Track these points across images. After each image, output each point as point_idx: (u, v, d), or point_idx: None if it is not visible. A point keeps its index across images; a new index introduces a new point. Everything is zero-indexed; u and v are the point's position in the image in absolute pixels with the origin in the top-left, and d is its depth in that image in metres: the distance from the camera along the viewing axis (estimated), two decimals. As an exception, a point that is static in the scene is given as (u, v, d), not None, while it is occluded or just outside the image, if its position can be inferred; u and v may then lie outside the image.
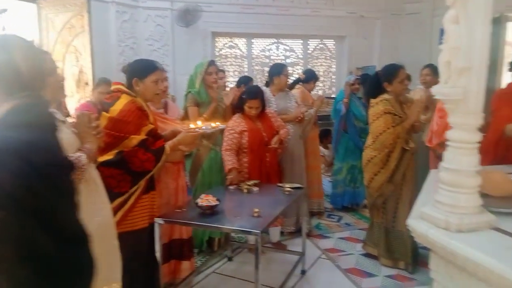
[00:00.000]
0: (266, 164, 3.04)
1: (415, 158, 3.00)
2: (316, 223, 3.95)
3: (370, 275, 2.88)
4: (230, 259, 3.14)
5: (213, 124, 2.39)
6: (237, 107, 3.19)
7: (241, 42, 6.94)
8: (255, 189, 2.67)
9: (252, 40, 6.97)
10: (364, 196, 4.34)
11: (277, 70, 3.63)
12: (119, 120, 2.03)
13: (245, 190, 2.64)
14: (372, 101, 2.98)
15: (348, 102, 4.22)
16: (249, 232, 2.07)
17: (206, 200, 2.16)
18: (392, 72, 2.92)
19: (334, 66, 7.45)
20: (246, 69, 6.99)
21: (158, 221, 2.11)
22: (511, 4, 6.03)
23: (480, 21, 1.28)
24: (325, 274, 2.92)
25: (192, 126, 2.33)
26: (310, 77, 4.18)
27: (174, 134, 2.27)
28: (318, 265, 3.06)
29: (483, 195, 1.67)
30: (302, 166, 3.58)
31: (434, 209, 1.43)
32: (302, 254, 2.89)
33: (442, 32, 1.70)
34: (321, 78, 7.51)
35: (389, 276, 2.84)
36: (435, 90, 1.41)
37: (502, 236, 1.32)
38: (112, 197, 1.82)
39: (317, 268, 3.01)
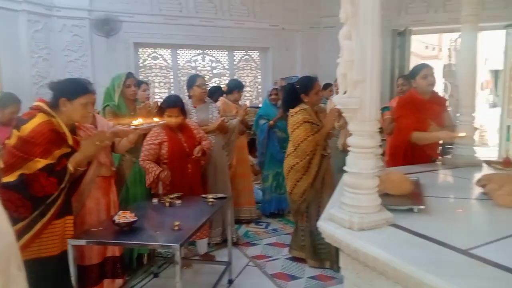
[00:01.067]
0: (188, 176, 3.01)
1: (331, 163, 3.19)
2: (244, 231, 4.00)
3: (294, 278, 2.98)
4: (156, 275, 3.05)
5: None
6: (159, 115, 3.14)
7: (165, 53, 6.85)
8: (178, 202, 2.64)
9: (178, 51, 6.91)
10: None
11: (190, 83, 3.63)
12: (27, 141, 1.92)
13: (167, 204, 2.59)
14: (291, 111, 3.12)
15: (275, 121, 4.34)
16: (167, 247, 2.03)
17: (123, 216, 2.09)
18: (308, 84, 3.11)
19: (259, 77, 7.66)
20: (172, 80, 6.91)
21: (71, 242, 1.99)
22: (415, 19, 6.71)
23: (370, 37, 1.42)
24: (252, 281, 2.97)
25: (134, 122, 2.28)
26: (232, 88, 4.23)
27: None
28: (246, 273, 3.09)
29: (385, 194, 1.85)
30: (226, 176, 3.61)
31: (340, 210, 1.54)
32: (228, 264, 2.91)
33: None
34: (248, 89, 7.67)
35: (313, 277, 2.97)
36: (335, 100, 1.52)
37: (399, 232, 1.45)
38: (12, 221, 1.68)
39: (245, 276, 3.04)
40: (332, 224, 1.52)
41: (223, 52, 7.26)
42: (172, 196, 2.67)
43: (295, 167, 3.05)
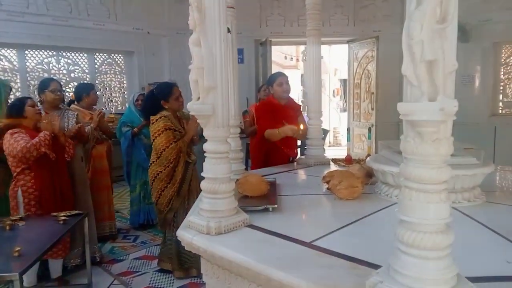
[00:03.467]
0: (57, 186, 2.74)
1: (197, 169, 3.19)
2: (109, 248, 3.72)
3: (163, 290, 2.89)
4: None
5: None
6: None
7: (10, 54, 5.99)
8: (21, 223, 2.30)
9: (26, 52, 6.11)
10: (159, 212, 4.37)
11: (42, 87, 3.25)
12: None
13: (7, 227, 2.24)
14: (152, 118, 3.02)
15: (140, 129, 4.16)
16: (5, 277, 1.75)
17: None
18: (167, 91, 3.05)
19: (125, 82, 7.28)
20: (19, 84, 6.07)
21: None
22: (274, 30, 7.23)
23: (218, 44, 1.45)
24: (117, 300, 2.77)
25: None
26: (79, 93, 3.84)
27: None
28: (110, 292, 2.88)
29: (244, 196, 1.92)
30: (86, 189, 3.30)
31: (198, 216, 1.53)
32: (88, 286, 2.66)
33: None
34: (113, 94, 7.23)
35: (182, 287, 2.91)
36: (189, 106, 1.51)
37: (254, 232, 1.51)
38: None
39: (109, 296, 2.83)
40: (190, 232, 1.51)
41: (81, 55, 6.70)
42: (14, 218, 2.32)
43: (159, 175, 2.96)
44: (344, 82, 13.07)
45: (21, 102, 2.83)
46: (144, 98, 3.84)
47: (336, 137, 12.85)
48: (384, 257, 1.01)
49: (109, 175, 3.91)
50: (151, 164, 3.01)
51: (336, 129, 12.89)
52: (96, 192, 3.52)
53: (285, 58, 13.25)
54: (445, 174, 0.88)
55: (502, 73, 6.04)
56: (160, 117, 2.95)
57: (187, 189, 3.04)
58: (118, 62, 7.16)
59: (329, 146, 11.81)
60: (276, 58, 11.55)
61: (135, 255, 3.57)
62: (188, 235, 1.49)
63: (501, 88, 6.08)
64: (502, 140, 5.87)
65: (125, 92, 7.28)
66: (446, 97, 0.83)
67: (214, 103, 1.47)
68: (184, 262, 3.03)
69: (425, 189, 0.88)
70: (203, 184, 1.54)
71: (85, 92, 3.81)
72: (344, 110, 12.23)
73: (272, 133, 3.02)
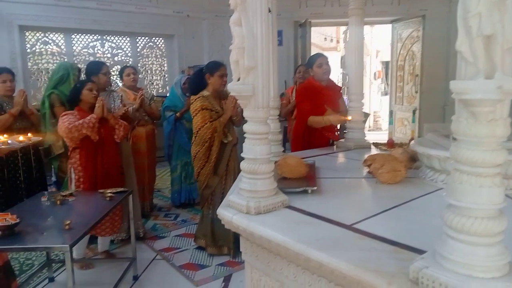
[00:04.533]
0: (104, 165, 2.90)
1: (238, 150, 3.22)
2: (152, 225, 3.87)
3: (202, 267, 2.97)
4: (51, 279, 2.79)
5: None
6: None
7: (58, 38, 6.25)
8: (71, 199, 2.43)
9: (72, 36, 6.35)
10: (199, 192, 4.49)
11: (94, 70, 3.39)
12: None
13: (58, 202, 2.38)
14: (192, 97, 3.09)
15: (182, 113, 4.23)
16: (56, 249, 1.86)
17: (3, 219, 1.86)
18: (215, 66, 3.10)
19: (166, 65, 7.42)
20: (66, 68, 6.34)
21: None
22: (313, 11, 7.05)
23: (259, 24, 1.43)
24: (159, 274, 2.89)
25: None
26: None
27: None
28: (152, 267, 3.00)
29: (283, 178, 1.92)
30: (130, 168, 3.43)
31: (238, 196, 1.55)
32: (132, 259, 2.79)
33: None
34: (154, 77, 7.40)
35: (221, 264, 3.00)
36: (229, 87, 1.52)
37: (293, 213, 1.51)
38: None
39: (151, 270, 2.95)
40: (230, 210, 1.53)
41: (124, 38, 6.88)
42: (64, 193, 2.46)
43: (197, 155, 3.05)
44: (386, 64, 12.59)
45: (81, 85, 2.97)
46: (191, 75, 3.89)
47: (376, 121, 12.49)
48: (428, 242, 0.98)
49: (147, 156, 4.03)
50: (192, 144, 3.10)
51: (376, 113, 12.52)
52: (138, 172, 3.64)
53: (324, 39, 12.94)
54: (500, 157, 0.83)
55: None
56: (199, 97, 3.01)
57: (224, 169, 3.09)
58: (159, 45, 7.29)
59: (369, 130, 11.52)
60: (315, 40, 11.32)
61: (176, 232, 3.69)
62: (228, 213, 1.51)
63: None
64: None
65: (166, 75, 7.43)
66: (504, 74, 0.78)
67: (254, 84, 1.46)
68: (218, 240, 3.11)
69: (478, 172, 0.84)
70: (242, 165, 1.55)
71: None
72: (386, 94, 11.85)
73: (317, 121, 3.00)
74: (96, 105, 2.84)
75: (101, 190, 2.61)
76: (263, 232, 1.34)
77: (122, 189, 2.69)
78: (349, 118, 2.83)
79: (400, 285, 0.94)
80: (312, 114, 3.03)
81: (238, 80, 1.49)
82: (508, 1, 0.78)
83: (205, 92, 3.05)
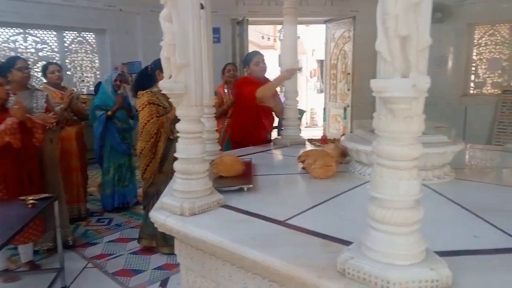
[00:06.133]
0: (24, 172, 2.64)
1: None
2: (83, 231, 3.65)
3: (138, 272, 2.87)
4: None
5: None
6: None
7: (-28, 30, 5.66)
8: (-13, 208, 2.22)
9: (-11, 29, 5.79)
10: (135, 194, 4.32)
11: (7, 65, 3.08)
12: None
13: (-28, 211, 2.15)
14: (139, 92, 3.02)
15: (114, 112, 4.04)
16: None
17: None
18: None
19: (97, 61, 7.04)
20: (-18, 63, 5.76)
21: None
22: (251, 10, 7.10)
23: (191, 20, 1.40)
24: (90, 283, 2.73)
25: None
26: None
27: None
28: (83, 276, 2.83)
29: (219, 177, 1.90)
30: (56, 171, 3.20)
31: (172, 197, 1.51)
32: (60, 270, 2.61)
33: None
34: (85, 74, 7.00)
35: (158, 268, 2.91)
36: (161, 84, 1.46)
37: (228, 212, 1.50)
38: None
39: (82, 280, 2.78)
40: (163, 213, 1.48)
41: (50, 32, 6.40)
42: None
43: (143, 151, 2.98)
44: (321, 63, 13.06)
45: None
46: (138, 74, 3.72)
47: (313, 118, 12.93)
48: (356, 234, 1.02)
49: (78, 157, 3.82)
50: (138, 139, 3.01)
51: (313, 110, 12.95)
52: (64, 175, 3.41)
53: (262, 38, 13.10)
54: (416, 151, 0.88)
55: (474, 54, 6.17)
56: (146, 92, 2.94)
57: (170, 166, 2.98)
58: (89, 40, 6.89)
59: (306, 127, 11.89)
60: (253, 38, 11.41)
61: (109, 238, 3.52)
62: (161, 216, 1.47)
63: (473, 69, 6.22)
64: (473, 119, 6.05)
65: (97, 72, 7.05)
66: (418, 73, 0.83)
67: (187, 82, 1.42)
68: (169, 238, 3.02)
69: (396, 166, 0.88)
70: (176, 165, 1.51)
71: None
72: (322, 91, 12.29)
73: (264, 88, 2.85)
74: (15, 106, 2.60)
75: (21, 198, 2.39)
76: (197, 233, 1.32)
77: (45, 195, 2.50)
78: (297, 68, 2.84)
79: (329, 277, 0.97)
80: (251, 107, 3.01)
81: (170, 77, 1.45)
82: (422, 4, 0.83)
83: (154, 88, 2.98)
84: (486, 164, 2.39)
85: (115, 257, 3.14)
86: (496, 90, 5.95)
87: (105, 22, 6.64)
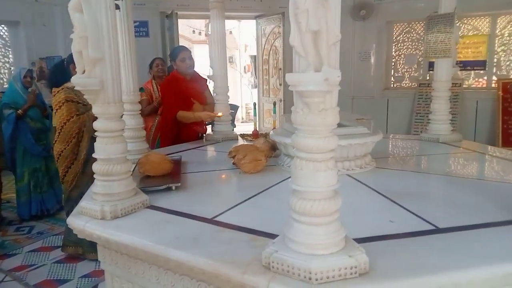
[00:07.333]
0: None
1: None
2: (-1, 242, 3.34)
3: (63, 281, 2.68)
4: None
5: None
6: None
7: None
8: None
9: None
10: (57, 200, 4.01)
11: None
12: None
13: None
14: (54, 90, 2.80)
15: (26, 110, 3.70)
16: None
17: None
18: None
19: (11, 56, 6.42)
20: None
21: None
22: (180, 3, 6.92)
23: (104, 10, 1.31)
24: (8, 299, 2.51)
25: None
26: None
27: None
28: (1, 291, 2.59)
29: (146, 177, 1.83)
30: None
31: (91, 201, 1.42)
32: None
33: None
34: (-2, 70, 6.35)
35: (85, 276, 2.75)
36: (73, 80, 1.36)
37: (155, 213, 1.45)
38: None
39: (-1, 295, 2.54)
40: (82, 218, 1.39)
41: (-48, 24, 5.71)
42: None
43: (63, 153, 2.77)
44: (254, 58, 13.17)
45: None
46: (52, 67, 3.43)
47: (248, 113, 13.01)
48: (282, 227, 1.03)
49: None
50: (55, 142, 2.77)
51: (248, 105, 13.04)
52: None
53: (193, 32, 12.87)
54: (332, 143, 0.91)
55: (394, 50, 6.60)
56: (62, 88, 2.71)
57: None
58: (1, 33, 6.26)
59: (242, 122, 11.95)
60: (184, 32, 11.16)
61: (30, 247, 3.25)
62: (80, 221, 1.37)
63: (393, 64, 6.66)
64: (394, 111, 6.48)
65: (12, 68, 6.43)
66: (330, 67, 0.85)
67: (102, 77, 1.34)
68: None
69: (314, 158, 0.90)
70: (95, 166, 1.42)
71: None
72: (255, 86, 12.38)
73: (187, 116, 2.92)
74: None
75: None
76: (119, 237, 1.25)
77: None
78: (220, 114, 2.85)
79: (254, 272, 0.97)
80: (180, 108, 2.97)
81: (83, 72, 1.35)
82: (330, 0, 0.85)
83: (69, 84, 2.74)
84: (405, 152, 2.57)
85: (37, 267, 2.91)
86: (413, 84, 6.43)
87: (18, 14, 6.07)
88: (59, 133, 2.75)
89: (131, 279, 1.37)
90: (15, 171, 3.83)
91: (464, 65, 5.83)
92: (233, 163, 1.99)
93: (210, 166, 2.25)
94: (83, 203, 1.42)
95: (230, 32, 12.48)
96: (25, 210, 3.82)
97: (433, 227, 1.24)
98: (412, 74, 6.51)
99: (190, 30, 12.64)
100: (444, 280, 0.94)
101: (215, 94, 2.94)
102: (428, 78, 6.19)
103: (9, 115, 3.65)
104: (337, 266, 0.90)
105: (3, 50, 6.35)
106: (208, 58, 2.87)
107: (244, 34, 13.04)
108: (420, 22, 6.16)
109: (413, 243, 1.14)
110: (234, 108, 5.76)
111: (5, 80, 6.42)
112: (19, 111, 3.67)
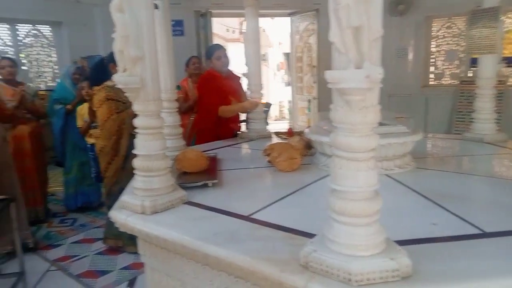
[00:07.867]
0: None
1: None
2: (45, 233, 3.50)
3: (104, 273, 2.79)
4: None
5: None
6: None
7: None
8: None
9: None
10: (99, 194, 4.17)
11: None
12: None
13: None
14: (95, 88, 2.90)
15: (74, 105, 3.86)
16: None
17: None
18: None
19: (54, 55, 6.73)
20: None
21: None
22: (214, 2, 6.99)
23: (144, 10, 1.34)
24: (54, 287, 2.63)
25: None
26: None
27: None
28: (46, 279, 2.72)
29: (183, 173, 1.86)
30: (10, 172, 3.04)
31: (132, 196, 1.46)
32: (20, 274, 2.49)
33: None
34: (42, 69, 6.68)
35: (125, 268, 2.84)
36: (115, 78, 1.40)
37: (192, 208, 1.47)
38: None
39: (45, 283, 2.67)
40: (124, 212, 1.43)
41: (2, 26, 6.06)
42: None
43: (104, 149, 2.87)
44: (288, 55, 13.10)
45: None
46: (92, 66, 3.58)
47: (281, 111, 12.98)
48: (320, 226, 1.02)
49: (33, 157, 3.62)
50: (97, 138, 2.92)
51: (281, 103, 13.01)
52: (21, 176, 3.25)
53: (227, 30, 12.97)
54: (372, 142, 0.88)
55: (433, 45, 6.37)
56: (103, 87, 2.81)
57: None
58: (45, 34, 6.58)
59: (275, 120, 11.93)
60: (218, 31, 11.27)
61: (73, 239, 3.40)
62: (121, 215, 1.42)
63: (432, 60, 6.43)
64: (433, 109, 6.26)
65: (56, 67, 6.75)
66: (371, 64, 0.83)
67: (142, 75, 1.38)
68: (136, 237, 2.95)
69: (354, 157, 0.88)
70: (135, 162, 1.46)
71: None
72: (289, 84, 12.32)
73: (230, 109, 2.93)
74: None
75: (-26, 200, 2.27)
76: (159, 232, 1.28)
77: (2, 196, 2.37)
78: (261, 101, 2.86)
79: (292, 271, 0.97)
80: (220, 105, 2.99)
81: (124, 71, 1.39)
82: (372, -6, 0.82)
83: (110, 82, 2.85)
84: (446, 152, 2.47)
85: (80, 258, 3.04)
86: (454, 81, 6.17)
87: (61, 14, 6.35)
88: (101, 129, 2.85)
89: (170, 272, 1.40)
90: (64, 164, 4.01)
91: (509, 62, 5.53)
92: (268, 161, 1.98)
93: (245, 163, 2.26)
94: (125, 198, 1.47)
95: (263, 30, 12.48)
96: (72, 201, 4.00)
97: (479, 231, 1.18)
98: (453, 71, 6.26)
99: (224, 29, 12.75)
100: (494, 286, 0.90)
101: (249, 92, 2.94)
102: (470, 75, 5.92)
103: (59, 110, 3.83)
104: (378, 269, 0.88)
105: (47, 49, 6.67)
106: (242, 56, 2.88)
107: (277, 31, 13.01)
108: (461, 17, 5.90)
109: (457, 247, 1.09)
110: (268, 106, 5.74)
111: (49, 78, 6.75)
112: (69, 106, 3.83)
